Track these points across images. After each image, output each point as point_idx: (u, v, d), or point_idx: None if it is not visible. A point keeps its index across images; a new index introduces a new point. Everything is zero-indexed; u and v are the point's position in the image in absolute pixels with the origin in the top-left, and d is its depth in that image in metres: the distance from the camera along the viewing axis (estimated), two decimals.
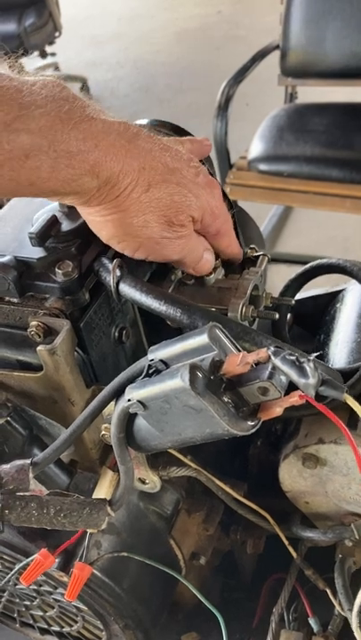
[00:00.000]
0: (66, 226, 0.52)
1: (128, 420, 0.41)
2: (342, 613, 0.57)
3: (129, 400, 0.39)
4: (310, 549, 0.67)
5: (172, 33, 4.37)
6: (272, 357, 0.34)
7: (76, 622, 0.64)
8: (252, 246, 0.64)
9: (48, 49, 3.38)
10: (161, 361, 0.40)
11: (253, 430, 0.38)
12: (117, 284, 0.48)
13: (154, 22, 4.56)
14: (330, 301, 0.73)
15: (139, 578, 0.58)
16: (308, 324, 0.75)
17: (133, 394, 0.38)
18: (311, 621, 0.63)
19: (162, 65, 4.10)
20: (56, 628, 0.67)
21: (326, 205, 1.88)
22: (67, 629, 0.66)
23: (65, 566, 0.53)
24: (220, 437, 0.38)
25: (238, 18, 4.31)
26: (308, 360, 0.33)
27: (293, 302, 0.61)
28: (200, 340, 0.38)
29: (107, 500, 0.44)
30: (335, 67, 2.11)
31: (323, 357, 0.67)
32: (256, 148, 2.04)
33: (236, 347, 0.38)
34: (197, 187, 0.49)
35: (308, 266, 0.64)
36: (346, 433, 0.35)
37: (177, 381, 0.36)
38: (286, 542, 0.63)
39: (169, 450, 0.59)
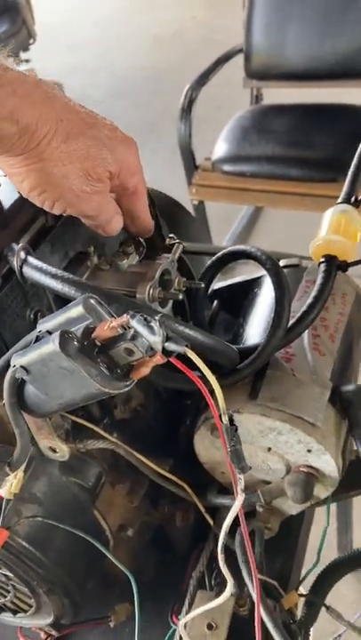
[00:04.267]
0: None
1: (20, 386, 0.46)
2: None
3: (14, 366, 0.43)
4: None
5: (148, 38, 4.43)
6: (130, 320, 0.38)
7: (9, 592, 0.67)
8: (170, 235, 0.68)
9: (23, 55, 3.42)
10: (47, 332, 0.44)
11: (127, 389, 0.42)
12: (21, 266, 0.52)
13: (129, 27, 4.62)
14: (251, 287, 0.77)
15: (62, 544, 0.62)
16: (233, 310, 0.80)
17: (17, 360, 0.43)
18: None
19: (138, 69, 4.15)
20: None
21: (287, 204, 1.93)
22: (1, 600, 0.70)
23: None
24: (98, 397, 0.43)
25: (213, 22, 4.37)
26: (155, 319, 0.37)
27: (202, 285, 0.66)
28: (77, 310, 0.42)
29: (6, 462, 0.48)
30: (296, 69, 2.17)
31: (240, 337, 0.71)
32: (220, 148, 2.09)
33: (112, 315, 0.43)
34: (113, 142, 0.52)
35: (220, 253, 0.69)
36: (197, 382, 0.40)
37: (50, 345, 0.40)
38: (203, 510, 0.67)
39: (94, 427, 0.63)
